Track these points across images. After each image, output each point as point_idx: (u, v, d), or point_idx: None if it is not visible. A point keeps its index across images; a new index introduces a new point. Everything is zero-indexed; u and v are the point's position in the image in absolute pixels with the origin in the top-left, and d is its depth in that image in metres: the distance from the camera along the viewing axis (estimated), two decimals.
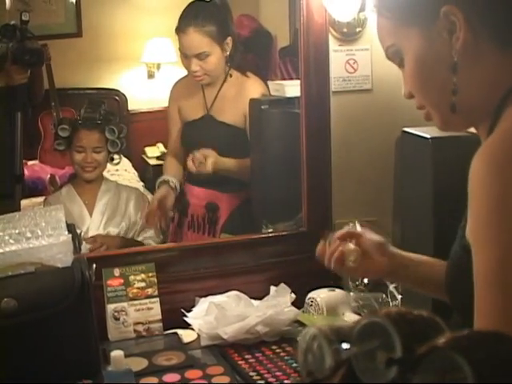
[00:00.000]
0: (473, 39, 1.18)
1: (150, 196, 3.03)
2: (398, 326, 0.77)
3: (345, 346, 0.81)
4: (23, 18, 2.79)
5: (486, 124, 1.21)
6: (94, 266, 1.89)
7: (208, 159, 2.72)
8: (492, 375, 0.70)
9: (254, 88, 2.80)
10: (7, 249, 1.82)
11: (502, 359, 0.72)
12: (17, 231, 1.88)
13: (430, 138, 1.91)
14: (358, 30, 2.38)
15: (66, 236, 1.88)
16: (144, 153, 4.19)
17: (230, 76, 2.81)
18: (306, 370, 0.86)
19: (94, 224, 2.83)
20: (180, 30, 2.74)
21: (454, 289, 1.27)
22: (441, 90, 1.23)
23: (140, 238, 2.86)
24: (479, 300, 1.06)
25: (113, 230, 2.85)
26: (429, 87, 1.25)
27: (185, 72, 2.87)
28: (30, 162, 3.83)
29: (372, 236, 1.63)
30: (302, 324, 2.09)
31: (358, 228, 2.22)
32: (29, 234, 1.88)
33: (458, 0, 1.18)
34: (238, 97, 2.80)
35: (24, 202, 3.07)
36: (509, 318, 1.02)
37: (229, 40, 2.76)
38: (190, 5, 2.79)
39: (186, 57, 2.76)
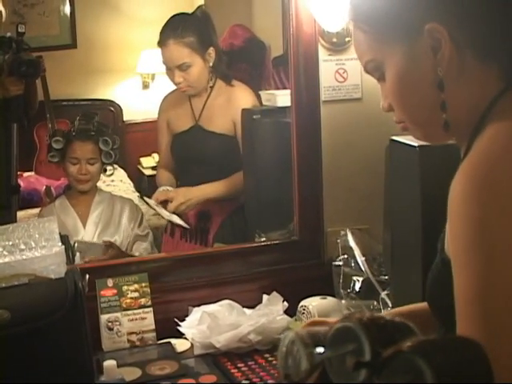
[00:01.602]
0: (457, 55, 1.17)
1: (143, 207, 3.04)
2: (368, 331, 0.79)
3: (319, 349, 0.83)
4: (19, 29, 2.80)
5: (466, 137, 1.20)
6: (87, 276, 1.90)
7: (174, 201, 2.76)
8: (452, 379, 0.72)
9: (242, 95, 2.83)
10: (1, 260, 1.83)
11: (463, 364, 0.74)
12: (10, 243, 1.89)
13: (418, 147, 1.91)
14: (347, 39, 2.39)
15: (59, 247, 1.89)
16: (139, 163, 4.20)
17: (216, 85, 2.83)
18: (284, 373, 0.88)
19: (87, 235, 2.84)
20: (161, 42, 2.79)
21: (435, 302, 1.27)
22: (426, 107, 1.21)
23: (136, 254, 2.88)
24: (461, 323, 1.04)
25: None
26: (413, 104, 1.23)
27: None
28: (26, 174, 3.85)
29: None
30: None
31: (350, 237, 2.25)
32: (22, 246, 1.89)
33: (442, 17, 1.16)
34: (227, 105, 2.83)
35: (20, 214, 3.08)
36: (491, 340, 0.98)
37: (211, 50, 2.78)
38: (170, 18, 2.84)
39: (169, 69, 2.80)
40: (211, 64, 2.80)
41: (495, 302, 1.01)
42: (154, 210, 2.82)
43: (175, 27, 2.76)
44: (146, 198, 2.91)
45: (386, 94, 1.26)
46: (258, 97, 2.83)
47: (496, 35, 1.19)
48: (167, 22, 2.82)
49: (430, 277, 1.28)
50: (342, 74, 2.42)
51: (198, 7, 2.96)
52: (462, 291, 1.05)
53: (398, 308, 1.57)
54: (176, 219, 2.83)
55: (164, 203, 2.77)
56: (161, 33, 2.79)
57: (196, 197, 2.79)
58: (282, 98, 2.58)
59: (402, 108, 1.24)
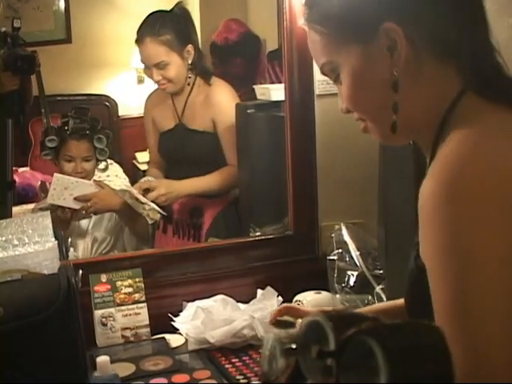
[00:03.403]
0: (414, 56, 1.16)
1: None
2: (333, 323, 0.79)
3: (293, 346, 0.84)
4: (15, 24, 2.80)
5: (428, 141, 1.19)
6: (81, 272, 1.90)
7: (155, 191, 2.75)
8: (405, 362, 0.72)
9: (220, 92, 2.82)
10: None
11: (418, 347, 0.75)
12: (3, 238, 1.89)
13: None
14: None
15: (52, 243, 1.89)
16: (135, 158, 4.20)
17: (195, 83, 2.82)
18: (263, 373, 0.88)
19: (80, 229, 2.83)
20: (138, 41, 2.77)
21: (414, 307, 1.26)
22: (381, 108, 1.19)
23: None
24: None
25: (100, 235, 2.86)
26: (368, 104, 1.21)
27: None
28: (21, 169, 3.84)
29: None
30: (289, 327, 2.10)
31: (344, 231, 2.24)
32: (16, 242, 1.89)
33: (398, 17, 1.15)
34: (205, 103, 2.82)
35: (15, 209, 3.07)
36: (471, 348, 0.99)
37: (189, 48, 2.76)
38: (148, 16, 2.82)
39: (147, 67, 2.79)
40: (190, 62, 2.78)
41: (471, 306, 1.01)
42: (136, 198, 2.81)
43: (152, 25, 2.74)
44: (127, 185, 2.92)
45: (342, 96, 1.24)
46: (249, 92, 2.83)
47: (453, 35, 1.17)
48: (144, 19, 2.79)
49: (407, 284, 1.27)
50: None
51: (177, 4, 2.89)
52: (437, 296, 1.05)
53: (375, 305, 1.57)
54: (154, 206, 2.85)
55: (146, 192, 2.75)
56: (138, 31, 2.77)
57: (177, 190, 2.78)
58: (276, 92, 2.58)
59: (358, 108, 1.23)
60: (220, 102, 2.78)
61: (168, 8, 2.88)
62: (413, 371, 0.74)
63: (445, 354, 0.76)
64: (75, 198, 2.73)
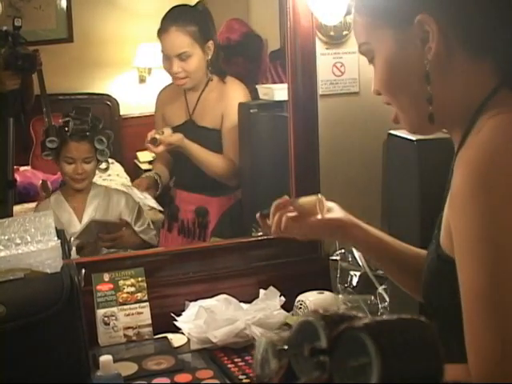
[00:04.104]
0: (445, 50, 1.18)
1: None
2: (325, 322, 0.80)
3: (285, 347, 0.84)
4: (16, 23, 2.80)
5: (459, 130, 1.21)
6: (83, 271, 1.90)
7: (165, 134, 2.74)
8: (398, 358, 0.73)
9: (233, 90, 2.83)
10: None
11: (411, 344, 0.76)
12: (6, 237, 1.89)
13: (416, 141, 1.91)
14: (344, 33, 2.39)
15: (54, 242, 1.89)
16: (136, 157, 4.19)
17: (211, 80, 2.83)
18: (256, 376, 0.88)
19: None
20: (162, 30, 2.78)
21: (432, 296, 1.26)
22: (412, 98, 1.23)
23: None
24: (469, 319, 1.04)
25: None
26: (398, 92, 1.25)
27: None
28: (22, 168, 3.83)
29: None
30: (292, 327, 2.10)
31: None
32: (18, 240, 1.88)
33: (433, 9, 1.17)
34: (217, 100, 2.83)
35: (16, 208, 3.07)
36: (501, 338, 1.00)
37: (210, 44, 2.79)
38: (172, 8, 2.85)
39: (167, 58, 2.79)
40: (209, 58, 2.79)
41: (504, 296, 1.01)
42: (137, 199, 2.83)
43: (178, 16, 2.78)
44: (128, 185, 2.93)
45: (374, 78, 1.29)
46: (252, 92, 2.83)
47: (489, 33, 1.19)
48: (169, 10, 2.82)
49: (425, 273, 1.28)
50: (339, 68, 2.41)
51: (199, 1, 2.94)
52: (469, 286, 1.05)
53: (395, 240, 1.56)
54: (150, 202, 2.84)
55: (153, 141, 2.74)
56: (162, 20, 2.79)
57: (183, 143, 2.77)
58: (279, 91, 2.58)
59: (388, 93, 1.27)
60: (231, 99, 2.79)
61: (169, 7, 2.89)
62: (405, 366, 0.74)
63: (436, 350, 0.76)
64: (100, 237, 2.74)
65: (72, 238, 2.68)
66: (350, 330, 0.76)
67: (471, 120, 1.17)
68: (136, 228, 2.88)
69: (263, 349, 0.88)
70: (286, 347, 0.84)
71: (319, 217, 1.55)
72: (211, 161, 2.79)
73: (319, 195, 1.56)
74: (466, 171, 1.08)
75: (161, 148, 2.73)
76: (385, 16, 1.23)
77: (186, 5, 2.97)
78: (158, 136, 2.70)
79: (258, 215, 1.59)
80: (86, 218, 2.85)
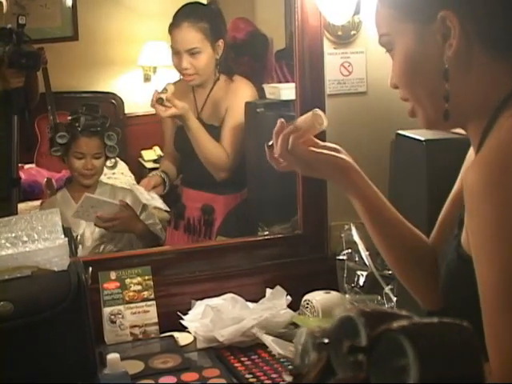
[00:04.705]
0: (466, 48, 1.18)
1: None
2: (366, 319, 0.80)
3: (325, 340, 0.84)
4: (20, 21, 2.80)
5: (478, 128, 1.21)
6: (90, 269, 1.90)
7: (175, 101, 2.70)
8: (436, 361, 0.73)
9: (240, 88, 2.83)
10: (4, 252, 1.83)
11: (449, 347, 0.75)
12: (13, 235, 1.88)
13: (424, 141, 1.91)
14: (352, 33, 2.39)
15: (62, 240, 1.89)
16: (141, 156, 4.20)
17: (219, 80, 2.84)
18: (294, 366, 0.88)
19: (89, 228, 2.83)
20: (174, 25, 2.79)
21: (450, 296, 1.26)
22: (430, 93, 1.23)
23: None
24: (488, 319, 1.04)
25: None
26: (416, 86, 1.26)
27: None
28: (27, 166, 3.85)
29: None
30: (298, 326, 2.10)
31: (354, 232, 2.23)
32: (25, 238, 1.88)
33: (457, 7, 1.17)
34: (224, 98, 2.83)
35: (21, 206, 3.08)
36: None
37: (220, 42, 2.79)
38: (185, 5, 2.86)
39: (177, 54, 2.79)
40: (218, 57, 2.79)
41: None
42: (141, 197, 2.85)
43: (190, 12, 2.79)
44: (133, 183, 2.93)
45: (393, 71, 1.29)
46: (259, 91, 2.83)
47: (509, 33, 1.19)
48: (182, 6, 2.84)
49: (445, 272, 1.28)
50: (347, 68, 2.41)
51: (211, 1, 3.01)
52: (485, 284, 1.04)
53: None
54: (157, 202, 2.85)
55: (159, 100, 2.69)
56: (175, 15, 2.80)
57: (188, 115, 2.73)
58: (286, 91, 2.57)
59: (406, 87, 1.27)
60: (237, 96, 2.79)
61: (175, 6, 2.89)
62: (444, 369, 0.74)
63: (475, 353, 0.76)
64: (98, 217, 2.75)
65: (79, 236, 2.69)
66: (389, 331, 0.76)
67: (490, 120, 1.17)
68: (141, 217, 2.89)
69: (304, 340, 0.87)
70: (326, 341, 0.84)
71: (322, 144, 1.51)
72: (207, 145, 2.77)
73: (315, 110, 1.52)
74: (482, 169, 1.07)
75: (168, 112, 2.70)
76: (408, 9, 1.23)
77: (198, 2, 3.00)
78: (163, 95, 2.69)
79: (266, 146, 1.55)
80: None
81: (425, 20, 1.21)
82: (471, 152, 1.35)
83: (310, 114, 1.52)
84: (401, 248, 1.51)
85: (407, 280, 1.53)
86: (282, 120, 1.53)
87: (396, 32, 1.25)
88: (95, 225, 2.80)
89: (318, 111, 1.52)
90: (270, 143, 1.54)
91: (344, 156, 1.52)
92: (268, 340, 2.01)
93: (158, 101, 2.68)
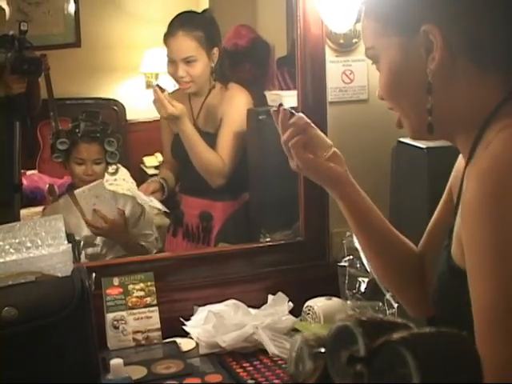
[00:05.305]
0: (449, 61, 1.18)
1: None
2: (364, 328, 0.80)
3: (322, 349, 0.84)
4: (22, 27, 2.81)
5: (466, 141, 1.21)
6: (94, 275, 1.91)
7: (174, 104, 2.72)
8: (437, 371, 0.73)
9: (235, 96, 2.84)
10: (8, 258, 1.84)
11: (450, 357, 0.76)
12: (17, 241, 1.89)
13: (426, 148, 1.92)
14: (354, 40, 2.40)
15: (65, 246, 1.89)
16: (142, 162, 4.20)
17: (214, 88, 2.85)
18: (292, 375, 0.89)
19: (90, 233, 2.84)
20: (169, 34, 2.81)
21: (441, 307, 1.26)
22: (414, 106, 1.24)
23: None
24: (481, 331, 1.03)
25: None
26: (400, 98, 1.26)
27: None
28: (29, 172, 3.85)
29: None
30: (300, 332, 2.11)
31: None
32: (29, 244, 1.89)
33: (439, 20, 1.18)
34: (219, 105, 2.85)
35: (23, 212, 3.08)
36: (509, 348, 1.00)
37: (215, 50, 2.81)
38: (180, 13, 2.89)
39: (173, 62, 2.81)
40: (213, 64, 2.81)
41: None
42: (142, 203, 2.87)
43: (185, 21, 2.81)
44: (134, 189, 2.94)
45: (379, 83, 1.30)
46: (260, 98, 2.84)
47: (495, 45, 1.19)
48: (177, 16, 2.86)
49: (436, 284, 1.28)
50: (348, 75, 2.43)
51: (206, 10, 3.03)
52: (479, 296, 1.05)
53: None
54: (156, 203, 2.87)
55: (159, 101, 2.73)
56: (170, 25, 2.82)
57: (184, 119, 2.74)
58: (288, 98, 2.58)
59: (390, 99, 1.28)
60: (232, 104, 2.80)
61: (176, 13, 2.91)
62: (444, 379, 0.74)
63: (476, 364, 0.76)
64: (95, 210, 2.76)
65: (82, 242, 2.69)
66: (389, 342, 0.76)
67: (479, 132, 1.17)
68: (133, 230, 2.90)
69: (298, 347, 0.88)
70: (322, 350, 0.84)
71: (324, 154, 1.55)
72: (202, 151, 2.77)
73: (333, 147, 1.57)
74: (477, 183, 1.07)
75: (168, 111, 2.71)
76: (392, 23, 1.24)
77: (192, 11, 3.03)
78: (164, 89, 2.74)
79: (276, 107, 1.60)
80: None
81: (408, 34, 1.21)
82: (460, 160, 1.35)
83: (329, 142, 1.58)
84: (387, 255, 1.52)
85: (394, 287, 1.55)
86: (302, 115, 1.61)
87: (381, 45, 1.26)
88: (86, 223, 2.80)
89: (335, 149, 1.58)
90: (289, 109, 1.59)
91: (340, 167, 1.56)
92: (266, 339, 2.02)
93: (160, 89, 2.70)
